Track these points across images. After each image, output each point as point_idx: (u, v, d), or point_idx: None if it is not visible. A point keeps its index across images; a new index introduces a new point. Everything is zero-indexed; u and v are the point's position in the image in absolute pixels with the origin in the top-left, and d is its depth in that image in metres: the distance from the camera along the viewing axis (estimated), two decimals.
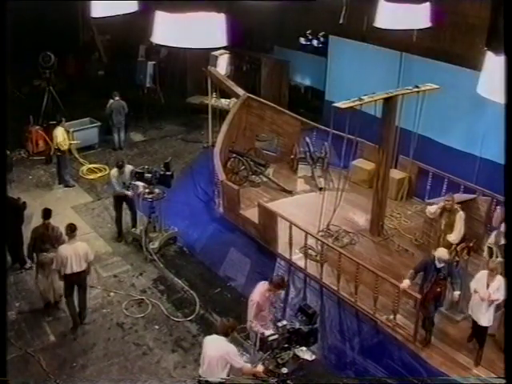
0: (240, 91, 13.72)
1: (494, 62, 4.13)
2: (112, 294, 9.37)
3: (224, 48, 13.43)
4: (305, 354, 7.66)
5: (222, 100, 15.62)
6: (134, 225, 10.81)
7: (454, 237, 8.98)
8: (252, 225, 10.74)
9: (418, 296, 7.91)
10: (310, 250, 9.98)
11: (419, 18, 7.69)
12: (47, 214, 8.87)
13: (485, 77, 4.39)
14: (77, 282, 8.45)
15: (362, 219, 11.24)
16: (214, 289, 9.56)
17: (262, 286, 7.37)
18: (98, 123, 14.85)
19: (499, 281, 7.45)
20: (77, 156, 13.91)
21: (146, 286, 9.58)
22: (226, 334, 6.54)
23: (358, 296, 8.87)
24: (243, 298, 9.25)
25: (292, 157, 13.35)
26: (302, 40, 17.70)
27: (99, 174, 13.50)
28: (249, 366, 6.62)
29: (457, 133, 12.54)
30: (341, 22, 13.37)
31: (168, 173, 10.15)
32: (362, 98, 9.32)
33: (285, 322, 6.55)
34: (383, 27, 8.05)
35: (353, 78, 14.18)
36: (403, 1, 7.53)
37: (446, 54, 12.70)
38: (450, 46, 13.07)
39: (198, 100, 17.13)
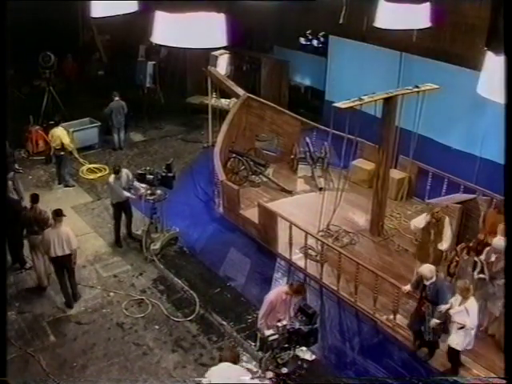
0: (240, 91, 13.72)
1: (494, 62, 4.13)
2: (112, 294, 9.37)
3: (224, 48, 13.44)
4: (305, 353, 7.67)
5: (222, 100, 15.62)
6: (130, 229, 10.78)
7: (445, 245, 8.80)
8: (252, 225, 10.74)
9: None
10: (310, 250, 9.98)
11: (419, 18, 7.69)
12: (35, 198, 9.35)
13: (485, 77, 4.39)
14: (63, 265, 8.85)
15: (361, 219, 11.24)
16: (214, 289, 9.56)
17: (281, 288, 7.43)
18: (98, 123, 14.85)
19: (470, 305, 7.24)
20: (77, 156, 13.92)
21: (146, 286, 9.58)
22: (233, 363, 6.30)
23: (358, 296, 8.87)
24: (243, 297, 9.28)
25: (292, 157, 13.35)
26: (302, 40, 17.70)
27: (99, 174, 13.51)
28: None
29: (457, 133, 12.54)
30: (341, 22, 13.35)
31: (170, 174, 10.15)
32: (362, 98, 9.31)
33: (285, 322, 6.55)
34: (383, 27, 8.05)
35: (353, 78, 14.18)
36: (403, 1, 7.53)
37: (446, 54, 12.69)
38: (450, 46, 13.06)
39: (197, 100, 17.13)
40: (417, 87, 9.88)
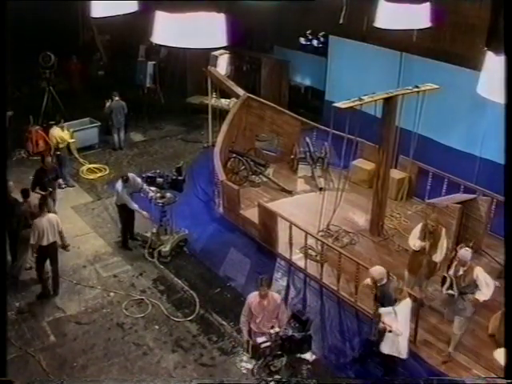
0: (240, 91, 13.72)
1: (494, 62, 4.12)
2: (112, 294, 9.37)
3: (224, 48, 13.44)
4: (305, 354, 7.67)
5: (222, 100, 15.62)
6: (132, 234, 10.75)
7: (439, 256, 8.44)
8: (252, 225, 10.74)
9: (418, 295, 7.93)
10: (310, 250, 9.98)
11: (419, 18, 7.68)
12: (26, 193, 9.57)
13: (485, 77, 4.39)
14: (50, 253, 9.08)
15: (361, 219, 11.24)
16: (214, 289, 9.56)
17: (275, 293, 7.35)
18: (98, 123, 14.86)
19: (401, 307, 7.08)
20: (77, 156, 13.92)
21: (146, 286, 9.58)
22: None
23: (358, 296, 8.86)
24: (243, 298, 9.26)
25: (292, 157, 13.35)
26: (302, 40, 17.70)
27: (99, 174, 13.51)
28: None
29: (457, 133, 12.54)
30: (341, 22, 13.36)
31: (180, 177, 10.15)
32: (362, 98, 9.32)
33: (277, 329, 6.42)
34: (383, 27, 8.04)
35: (353, 78, 14.17)
36: (403, 1, 7.53)
37: (446, 54, 12.69)
38: (450, 45, 13.05)
39: (197, 100, 17.14)
40: (417, 87, 9.89)
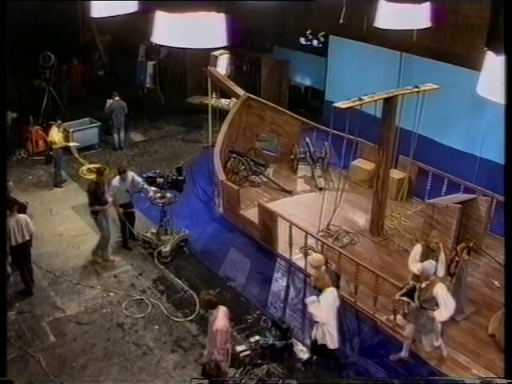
0: (240, 91, 13.72)
1: (494, 62, 4.13)
2: (112, 293, 9.37)
3: (224, 48, 13.43)
4: (305, 354, 7.68)
5: (222, 100, 15.61)
6: (132, 235, 10.71)
7: (441, 271, 8.00)
8: (252, 225, 10.74)
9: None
10: (310, 250, 9.98)
11: (419, 18, 7.69)
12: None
13: (485, 77, 4.39)
14: (21, 252, 9.02)
15: (362, 219, 11.23)
16: (214, 289, 9.54)
17: (223, 311, 6.73)
18: (98, 123, 14.86)
19: (323, 297, 7.14)
20: (77, 156, 13.92)
21: (146, 286, 9.57)
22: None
23: (358, 296, 8.86)
24: (243, 298, 9.28)
25: (292, 157, 13.35)
26: (302, 40, 17.68)
27: None
28: None
29: (457, 133, 12.54)
30: (341, 22, 13.36)
31: (180, 177, 10.13)
32: (362, 98, 9.31)
33: (257, 338, 6.29)
34: (383, 27, 8.05)
35: (353, 78, 14.19)
36: (403, 1, 7.53)
37: (446, 54, 12.69)
38: (450, 46, 13.06)
39: (197, 100, 17.14)
40: (417, 87, 9.88)
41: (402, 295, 7.57)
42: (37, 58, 14.81)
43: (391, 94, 9.69)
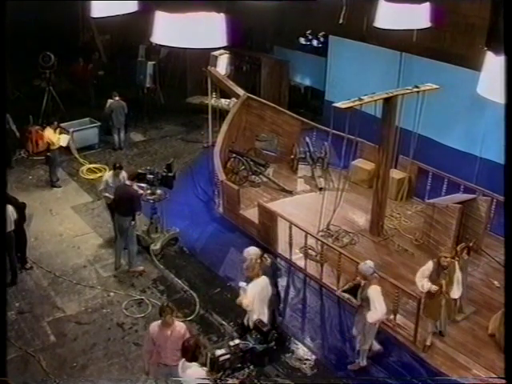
0: (240, 91, 13.72)
1: (494, 62, 4.13)
2: (112, 293, 9.37)
3: (224, 48, 13.43)
4: (304, 354, 7.65)
5: (222, 100, 15.60)
6: None
7: (457, 291, 7.75)
8: (252, 225, 10.74)
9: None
10: (310, 250, 9.98)
11: (419, 18, 7.68)
12: None
13: (485, 77, 4.40)
14: (9, 243, 8.94)
15: (362, 219, 11.23)
16: (214, 289, 9.56)
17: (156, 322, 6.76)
18: (98, 123, 14.86)
19: (251, 284, 7.39)
20: (77, 156, 13.93)
21: (146, 286, 9.58)
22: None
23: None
24: None
25: (292, 157, 13.34)
26: (302, 40, 17.70)
27: (99, 174, 13.47)
28: None
29: (457, 133, 12.54)
30: (341, 22, 13.36)
31: (170, 174, 10.14)
32: (362, 98, 9.31)
33: (237, 341, 6.20)
34: (383, 27, 8.04)
35: (353, 78, 14.18)
36: (403, 1, 7.53)
37: (446, 54, 12.69)
38: (450, 45, 13.06)
39: (197, 100, 17.14)
40: (417, 87, 9.87)
41: (344, 291, 7.71)
42: (37, 58, 14.80)
43: (391, 94, 9.68)
